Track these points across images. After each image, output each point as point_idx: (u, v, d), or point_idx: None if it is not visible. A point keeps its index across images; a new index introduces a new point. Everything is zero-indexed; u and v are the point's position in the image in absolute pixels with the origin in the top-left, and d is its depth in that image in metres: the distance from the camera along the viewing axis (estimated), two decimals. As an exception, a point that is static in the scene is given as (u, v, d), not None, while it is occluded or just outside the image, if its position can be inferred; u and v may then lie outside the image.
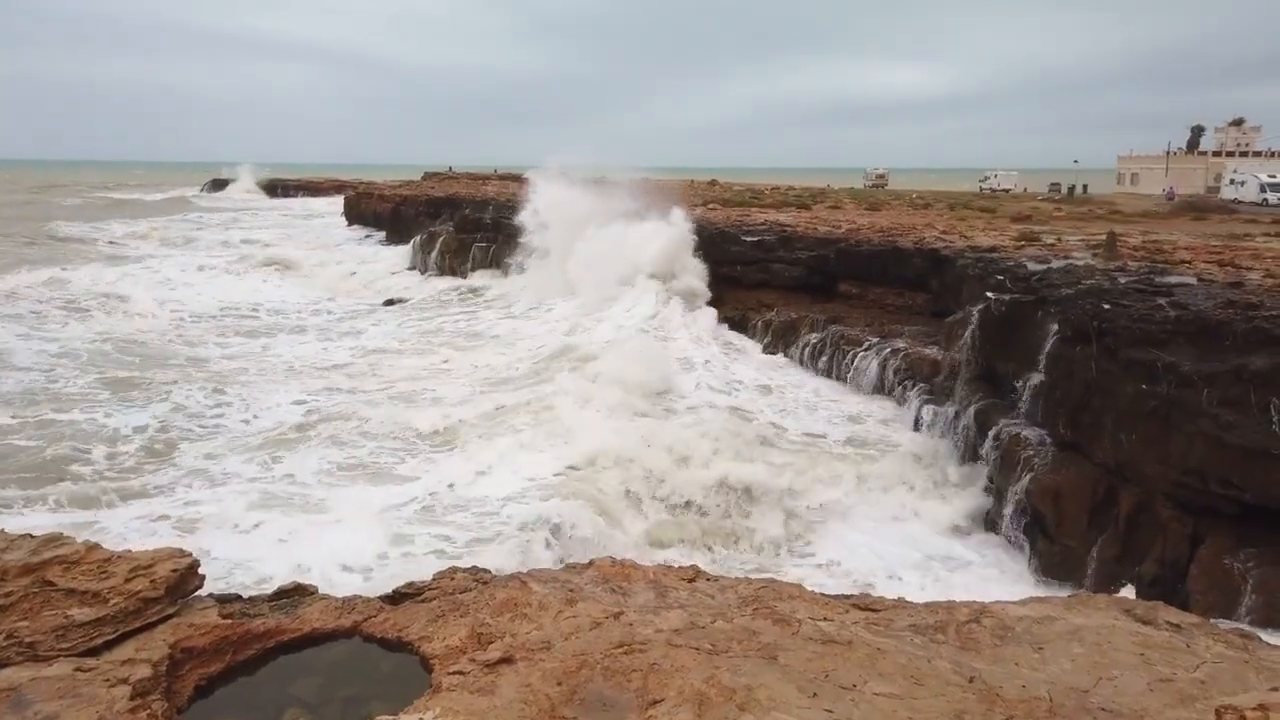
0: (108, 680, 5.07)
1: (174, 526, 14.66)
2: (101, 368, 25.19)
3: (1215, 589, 12.24)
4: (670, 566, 7.24)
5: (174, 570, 6.07)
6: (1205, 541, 12.88)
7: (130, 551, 6.33)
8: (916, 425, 20.28)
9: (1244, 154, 76.52)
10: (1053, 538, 14.75)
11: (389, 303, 40.39)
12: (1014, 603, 6.75)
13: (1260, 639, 6.35)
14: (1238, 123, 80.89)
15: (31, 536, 6.19)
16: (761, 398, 23.63)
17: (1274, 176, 55.77)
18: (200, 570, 6.33)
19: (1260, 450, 12.25)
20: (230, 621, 6.02)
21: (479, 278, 44.15)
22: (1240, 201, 52.55)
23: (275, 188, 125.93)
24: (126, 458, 18.10)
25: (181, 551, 6.35)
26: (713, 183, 68.88)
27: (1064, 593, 9.36)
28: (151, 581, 5.91)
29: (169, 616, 5.89)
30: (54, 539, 6.10)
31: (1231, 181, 58.47)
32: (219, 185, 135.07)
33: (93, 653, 5.39)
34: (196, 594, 6.30)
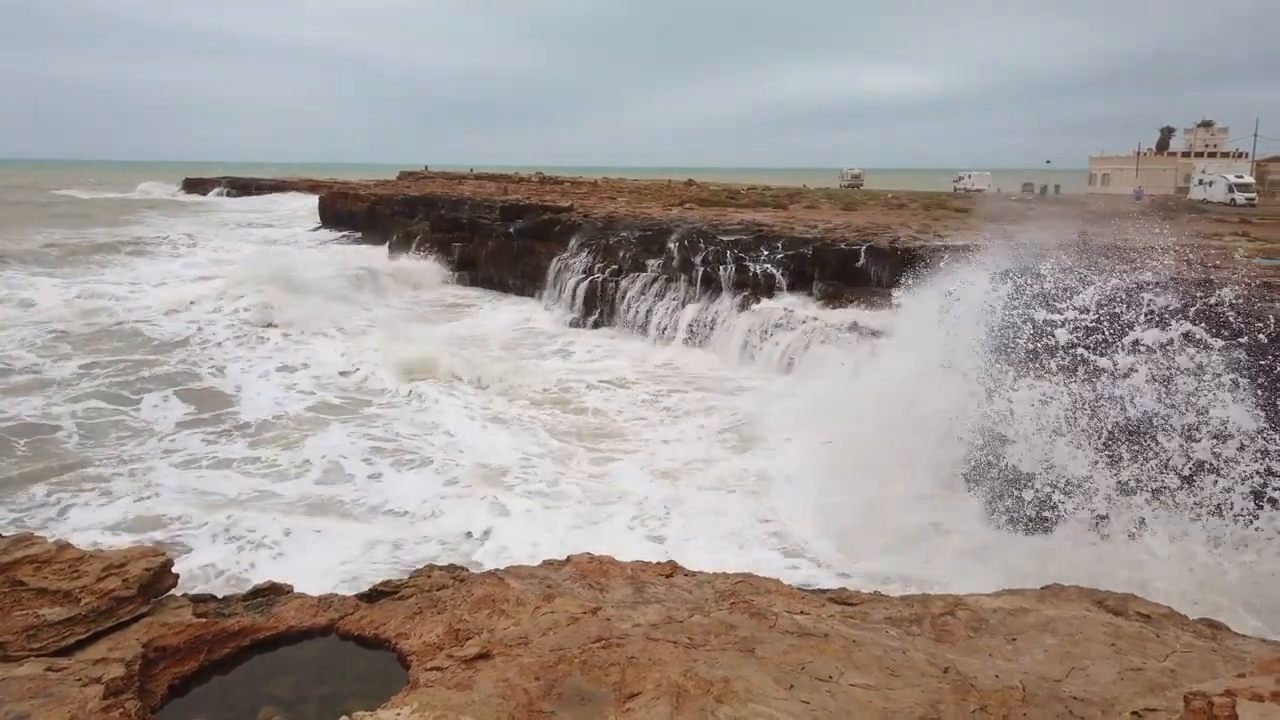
0: (80, 680, 5.01)
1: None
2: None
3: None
4: (648, 563, 7.25)
5: (147, 569, 6.01)
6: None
7: (102, 550, 6.26)
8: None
9: (1212, 155, 77.83)
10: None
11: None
12: (988, 595, 6.82)
13: (1228, 629, 6.46)
14: (1206, 124, 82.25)
15: (0, 536, 6.11)
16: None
17: (1241, 177, 56.75)
18: (174, 569, 6.27)
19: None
20: (204, 620, 5.97)
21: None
22: (1209, 201, 53.41)
23: (248, 187, 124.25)
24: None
25: (155, 550, 6.29)
26: (689, 183, 69.16)
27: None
28: (124, 580, 5.85)
29: (142, 616, 5.83)
30: (24, 538, 6.02)
31: (1200, 182, 59.42)
32: (193, 186, 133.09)
33: (64, 652, 5.33)
34: (170, 593, 6.25)
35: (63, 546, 6.00)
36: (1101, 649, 5.69)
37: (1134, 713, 4.80)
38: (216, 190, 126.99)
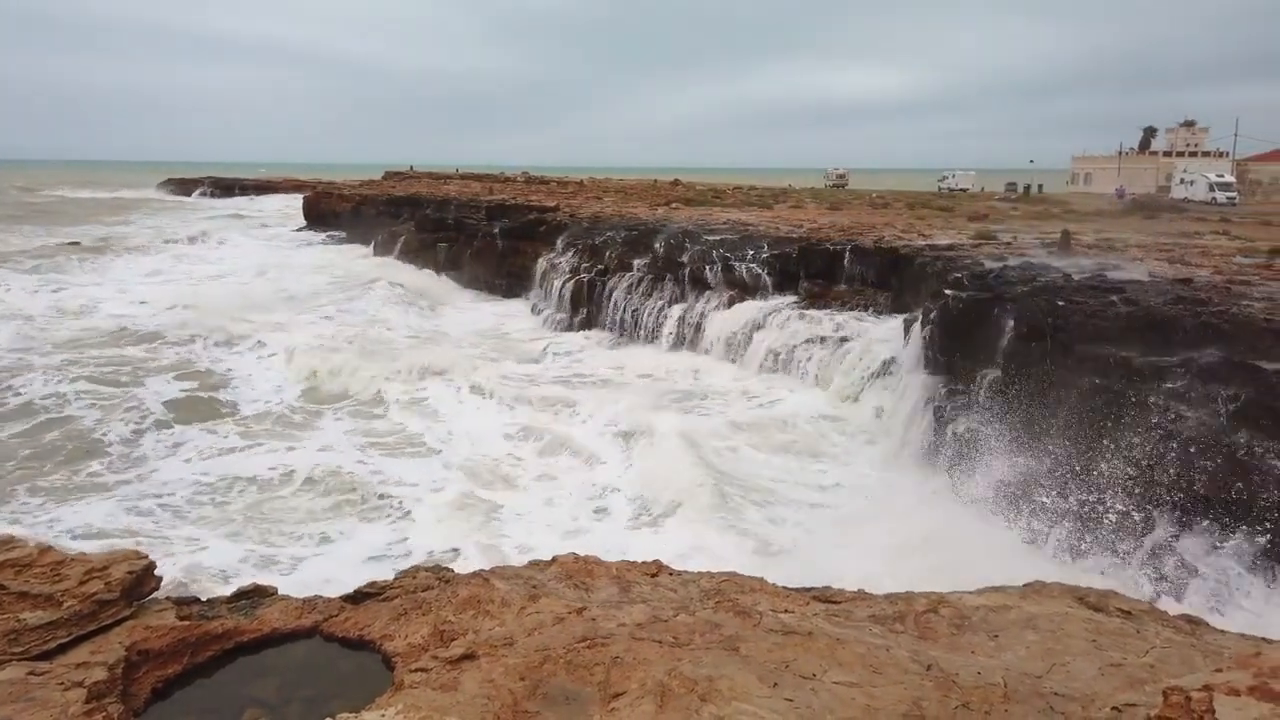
0: (62, 684, 4.99)
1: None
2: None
3: (1166, 578, 12.52)
4: (633, 562, 7.27)
5: (130, 572, 5.99)
6: (1156, 531, 13.17)
7: (84, 554, 6.23)
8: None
9: (1193, 154, 78.40)
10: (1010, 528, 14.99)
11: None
12: (971, 592, 6.86)
13: (1207, 624, 6.53)
14: (1188, 124, 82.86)
15: (-19, 540, 6.07)
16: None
17: (1222, 176, 57.17)
18: (156, 572, 6.25)
19: (1209, 442, 12.56)
20: (188, 623, 5.95)
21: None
22: (1190, 200, 53.80)
23: (232, 188, 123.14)
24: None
25: (138, 553, 6.26)
26: (675, 182, 69.23)
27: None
28: (106, 584, 5.82)
29: (125, 619, 5.81)
30: (5, 542, 5.98)
31: (1181, 181, 59.79)
32: (175, 186, 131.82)
33: (46, 656, 5.30)
34: (153, 596, 6.22)
35: (44, 550, 5.97)
36: (1082, 645, 5.75)
37: (1114, 708, 4.85)
38: (200, 191, 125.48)
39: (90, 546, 12.99)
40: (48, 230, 66.78)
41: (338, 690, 5.60)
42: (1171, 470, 13.04)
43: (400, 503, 16.52)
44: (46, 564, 5.85)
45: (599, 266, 35.41)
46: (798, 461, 19.15)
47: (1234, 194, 53.94)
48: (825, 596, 6.64)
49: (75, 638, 5.50)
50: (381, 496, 16.74)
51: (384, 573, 9.25)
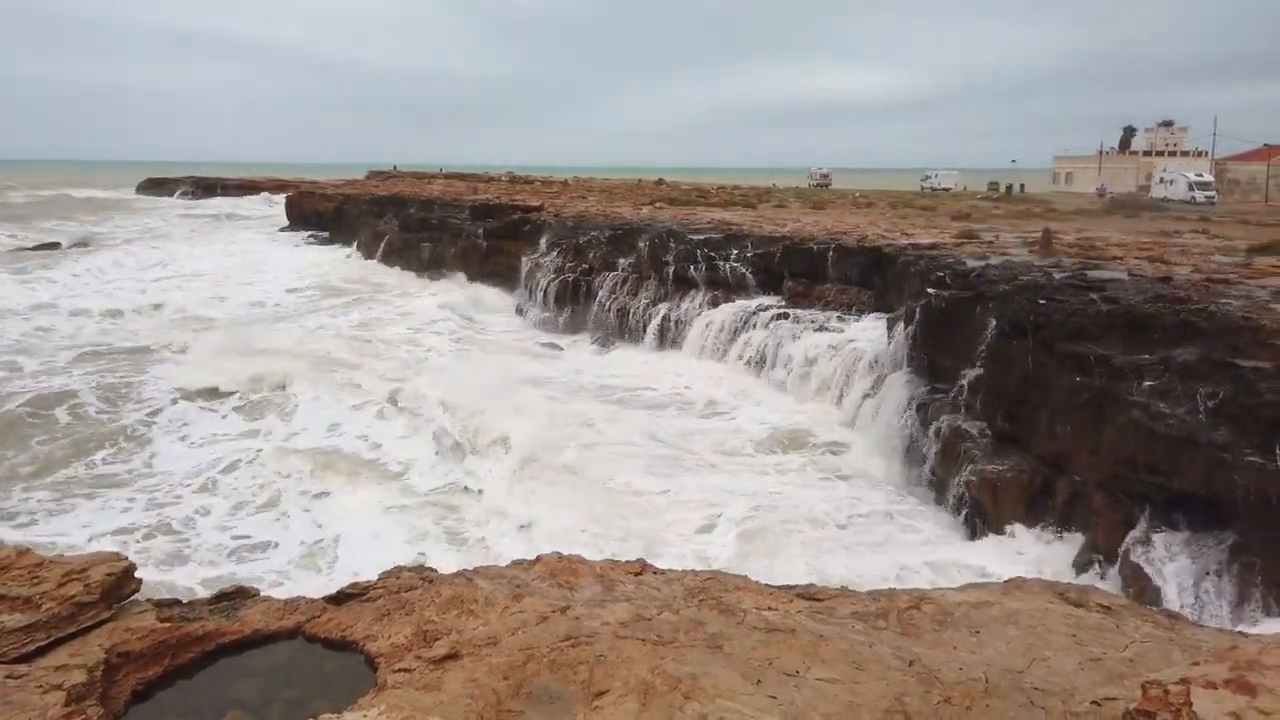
0: (41, 686, 4.95)
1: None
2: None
3: (1144, 574, 12.63)
4: (617, 561, 7.28)
5: (109, 574, 5.95)
6: (1135, 528, 13.29)
7: (63, 556, 6.19)
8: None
9: (1173, 154, 79.19)
10: (992, 527, 15.09)
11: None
12: (953, 589, 6.91)
13: (1185, 619, 6.60)
14: (1167, 124, 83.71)
15: (-41, 543, 6.02)
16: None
17: (1201, 175, 57.74)
18: (136, 574, 6.21)
19: (1187, 439, 12.67)
20: (168, 625, 5.91)
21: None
22: (1169, 199, 54.30)
23: (214, 188, 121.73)
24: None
25: (117, 555, 6.22)
26: (659, 182, 69.25)
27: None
28: (85, 586, 5.78)
29: (104, 621, 5.77)
30: (-18, 544, 5.94)
31: (1161, 180, 60.36)
32: (153, 186, 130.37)
33: (25, 659, 5.26)
34: (133, 598, 6.18)
35: (23, 552, 5.93)
36: (1063, 640, 5.79)
37: (1094, 702, 4.89)
38: (181, 191, 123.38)
39: (107, 543, 13.55)
40: (28, 229, 66.22)
41: (320, 691, 5.57)
42: (1151, 467, 13.17)
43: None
44: (24, 566, 5.80)
45: (584, 266, 35.31)
46: (776, 465, 19.16)
47: (1213, 193, 54.50)
48: (808, 594, 6.66)
49: (54, 640, 5.45)
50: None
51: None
